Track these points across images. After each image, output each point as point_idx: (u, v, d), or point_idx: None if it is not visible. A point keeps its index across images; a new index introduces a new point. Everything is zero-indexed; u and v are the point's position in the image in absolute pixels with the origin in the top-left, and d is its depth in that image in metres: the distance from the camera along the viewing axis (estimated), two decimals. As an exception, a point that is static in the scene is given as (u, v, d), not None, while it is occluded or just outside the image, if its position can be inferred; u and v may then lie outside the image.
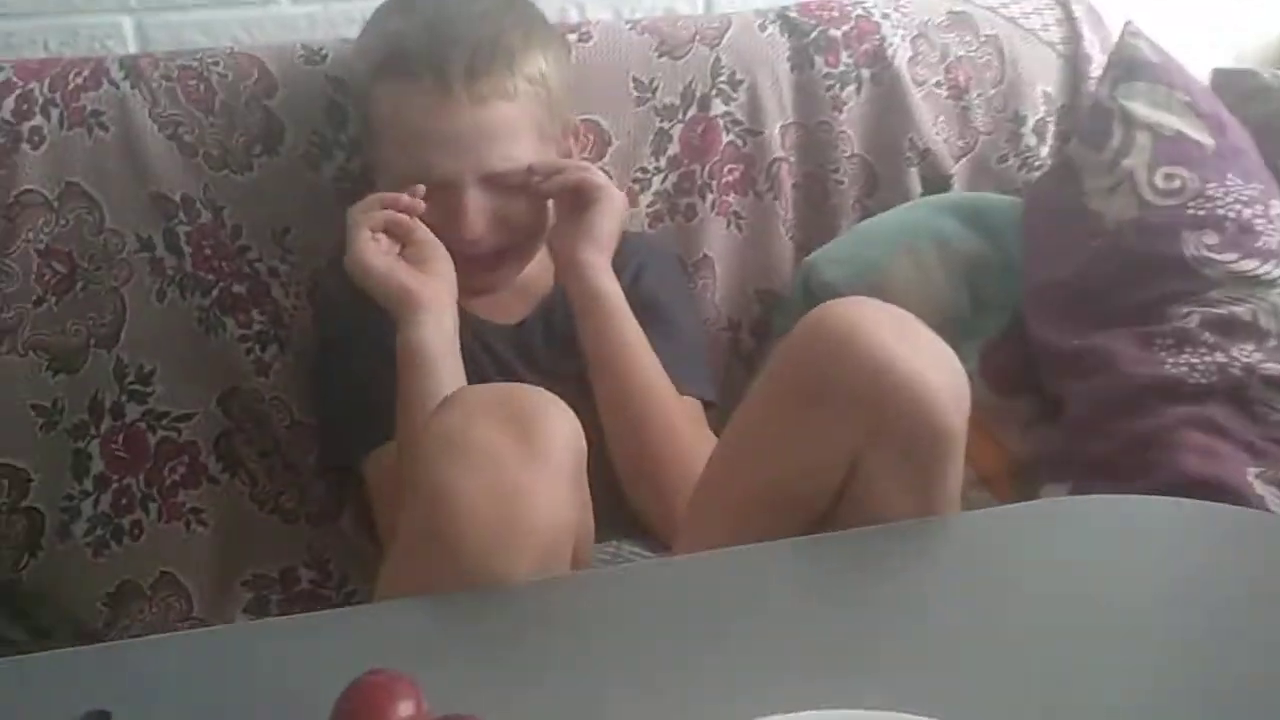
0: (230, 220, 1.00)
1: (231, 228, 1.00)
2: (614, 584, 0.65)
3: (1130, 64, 0.99)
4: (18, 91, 0.96)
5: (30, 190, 0.96)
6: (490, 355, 0.93)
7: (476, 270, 0.92)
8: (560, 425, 0.60)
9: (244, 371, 1.01)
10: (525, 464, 0.57)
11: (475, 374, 0.87)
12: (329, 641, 0.55)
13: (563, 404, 0.61)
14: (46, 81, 0.97)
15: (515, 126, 0.89)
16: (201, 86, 0.99)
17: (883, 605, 0.56)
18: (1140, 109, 0.96)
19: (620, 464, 0.88)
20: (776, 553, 0.61)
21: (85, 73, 0.98)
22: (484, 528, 0.55)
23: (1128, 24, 1.04)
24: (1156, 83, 0.97)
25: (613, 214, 0.91)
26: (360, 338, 0.92)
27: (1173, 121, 0.95)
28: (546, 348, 0.96)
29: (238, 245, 1.01)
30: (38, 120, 0.96)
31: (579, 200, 0.91)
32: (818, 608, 0.56)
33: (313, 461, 1.01)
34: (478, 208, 0.89)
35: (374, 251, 0.86)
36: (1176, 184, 0.92)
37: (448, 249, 0.89)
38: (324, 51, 1.02)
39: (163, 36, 1.06)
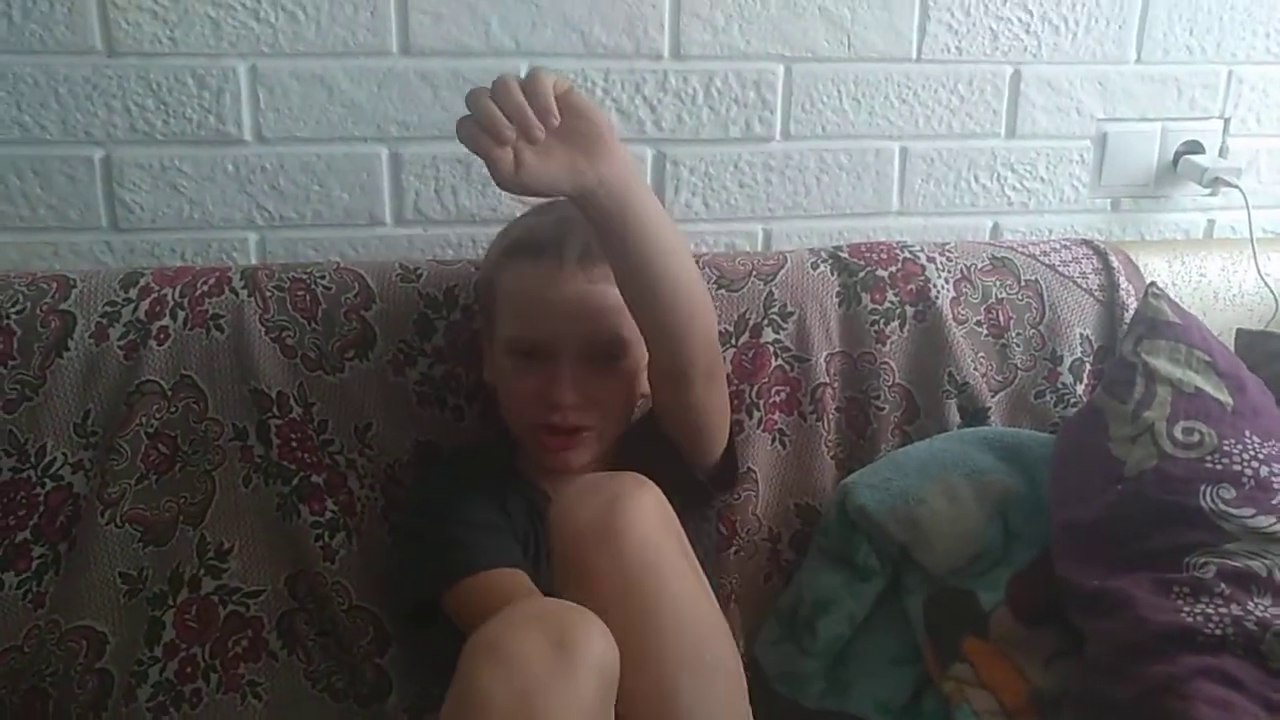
0: (318, 416, 1.11)
1: (318, 422, 1.11)
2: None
3: (1153, 323, 1.06)
4: (153, 295, 1.10)
5: (150, 380, 1.09)
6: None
7: (558, 447, 0.99)
8: (596, 644, 0.66)
9: (312, 556, 1.09)
10: (555, 676, 0.63)
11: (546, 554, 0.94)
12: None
13: (603, 625, 0.67)
14: (178, 288, 1.11)
15: (617, 309, 0.96)
16: (308, 297, 1.12)
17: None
18: (1162, 365, 1.01)
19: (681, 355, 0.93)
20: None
21: (211, 281, 1.11)
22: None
23: (1150, 285, 1.11)
24: (1178, 341, 1.03)
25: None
26: (462, 490, 1.00)
27: (1193, 379, 1.00)
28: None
29: (322, 439, 1.11)
30: (165, 321, 1.10)
31: None
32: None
33: (366, 645, 1.08)
34: (573, 375, 0.97)
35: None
36: (1195, 438, 0.97)
37: (536, 423, 0.98)
38: (419, 270, 1.14)
39: (281, 250, 1.20)
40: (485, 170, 0.83)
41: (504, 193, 0.85)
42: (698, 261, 1.20)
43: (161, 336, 1.09)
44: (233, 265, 1.16)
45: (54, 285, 1.09)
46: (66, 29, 1.11)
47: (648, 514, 0.79)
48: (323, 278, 1.13)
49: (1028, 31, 1.28)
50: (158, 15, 1.11)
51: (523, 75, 0.81)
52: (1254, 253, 1.29)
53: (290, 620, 1.10)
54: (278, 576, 1.10)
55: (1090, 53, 1.30)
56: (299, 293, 1.12)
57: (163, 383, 1.09)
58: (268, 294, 1.12)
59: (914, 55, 1.27)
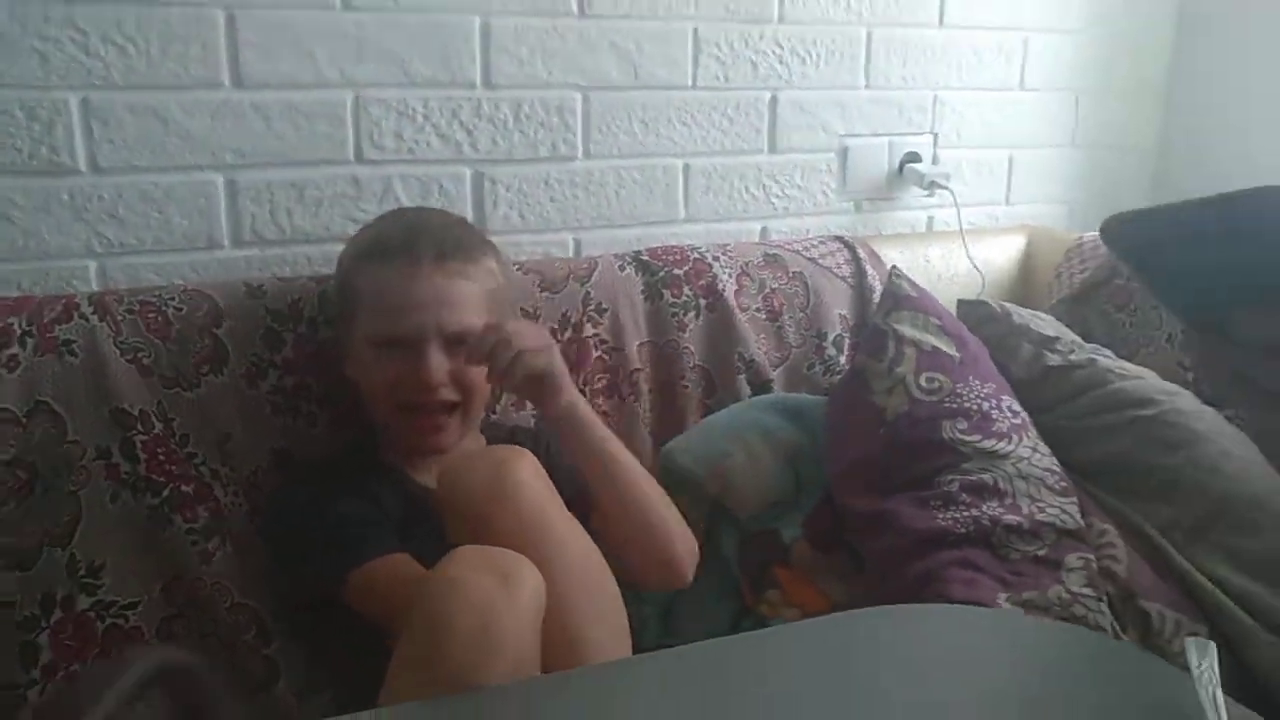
0: (179, 430, 1.18)
1: (180, 436, 1.18)
2: (576, 680, 0.82)
3: (897, 298, 1.32)
4: (-3, 326, 1.13)
5: (3, 408, 1.12)
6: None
7: (428, 429, 1.11)
8: (530, 578, 0.80)
9: (188, 562, 1.15)
10: (504, 602, 0.77)
11: (421, 531, 1.06)
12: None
13: (532, 564, 0.82)
14: (24, 316, 1.14)
15: (471, 299, 1.10)
16: (159, 318, 1.18)
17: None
18: (906, 330, 1.28)
19: (635, 538, 1.10)
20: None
21: (59, 308, 1.15)
22: (470, 647, 0.74)
23: (893, 268, 1.38)
24: (916, 311, 1.30)
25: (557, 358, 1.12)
26: (335, 492, 1.10)
27: (929, 339, 1.27)
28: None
29: (185, 451, 1.18)
30: (14, 349, 1.13)
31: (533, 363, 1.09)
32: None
33: (250, 639, 1.16)
34: (438, 361, 1.08)
35: None
36: (935, 385, 1.23)
37: (407, 405, 1.09)
38: (263, 287, 1.23)
39: (122, 277, 1.25)
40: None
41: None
42: (521, 269, 1.36)
43: (11, 364, 1.12)
44: (77, 292, 1.20)
45: (-109, 321, 1.10)
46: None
47: (531, 473, 0.94)
48: (172, 299, 1.20)
49: (781, 63, 1.53)
50: (-21, 52, 1.14)
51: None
52: (964, 242, 1.60)
53: (170, 625, 1.15)
54: (153, 586, 1.15)
55: (830, 80, 1.57)
56: (150, 314, 1.18)
57: (16, 410, 1.12)
58: (119, 317, 1.17)
59: (690, 84, 1.48)
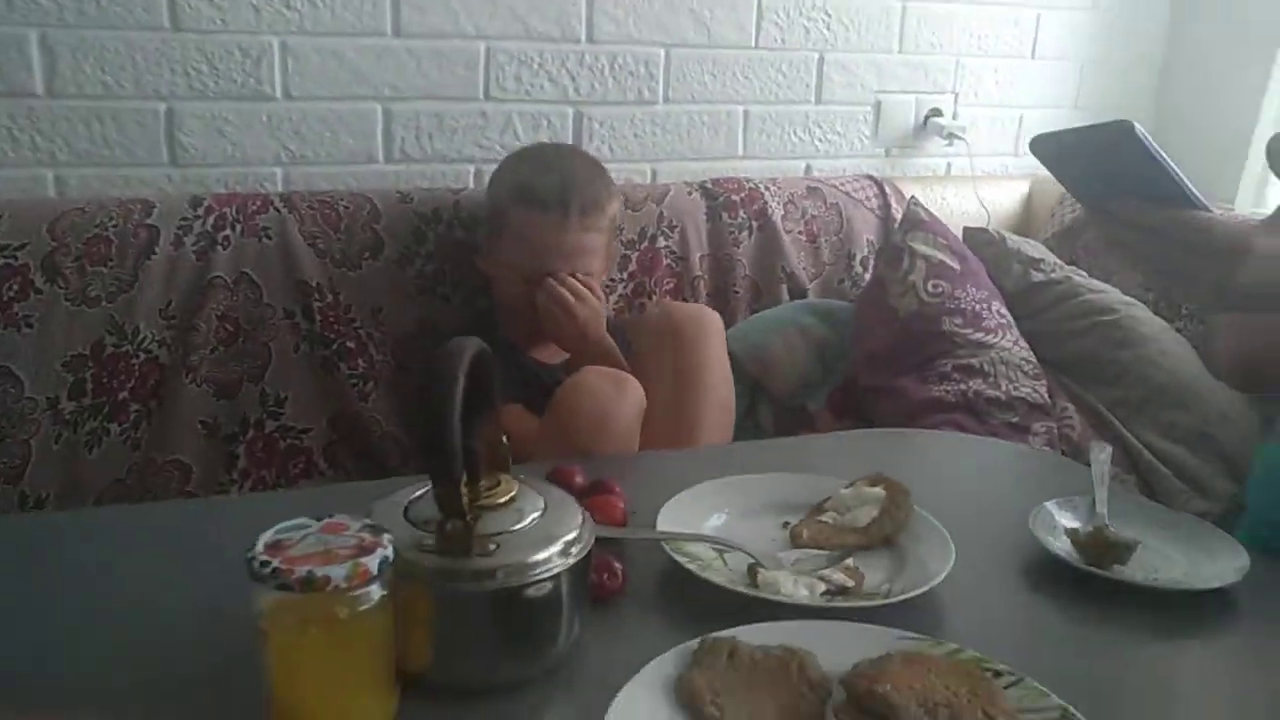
0: (344, 300, 1.52)
1: (345, 305, 1.52)
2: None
3: (914, 221, 1.63)
4: (215, 214, 1.47)
5: (218, 276, 1.47)
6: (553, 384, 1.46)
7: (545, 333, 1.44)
8: (634, 387, 1.13)
9: (351, 400, 1.51)
10: (615, 399, 1.10)
11: (541, 393, 1.39)
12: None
13: (635, 380, 1.14)
14: (234, 208, 1.49)
15: (598, 249, 1.43)
16: (333, 214, 1.52)
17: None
18: (919, 246, 1.59)
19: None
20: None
21: (259, 202, 1.50)
22: (591, 427, 1.08)
23: (911, 198, 1.69)
24: (928, 232, 1.61)
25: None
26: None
27: (937, 254, 1.58)
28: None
29: (348, 317, 1.53)
30: (227, 231, 1.48)
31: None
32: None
33: (394, 463, 1.51)
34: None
35: None
36: (939, 290, 1.55)
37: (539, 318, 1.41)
38: (411, 195, 1.57)
39: (300, 182, 1.59)
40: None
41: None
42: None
43: (224, 244, 1.47)
44: (270, 191, 1.55)
45: (138, 206, 1.45)
46: (132, 8, 1.46)
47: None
48: (342, 200, 1.54)
49: (828, 29, 1.83)
50: (213, 3, 1.48)
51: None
52: (974, 184, 1.90)
53: (334, 449, 1.51)
54: (322, 418, 1.51)
55: (869, 45, 1.87)
56: (326, 210, 1.53)
57: (227, 278, 1.47)
58: (303, 212, 1.51)
59: (753, 44, 1.79)
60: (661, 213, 1.69)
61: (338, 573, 0.58)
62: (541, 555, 0.66)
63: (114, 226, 1.42)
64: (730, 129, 1.82)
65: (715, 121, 1.81)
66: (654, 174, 1.79)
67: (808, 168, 1.90)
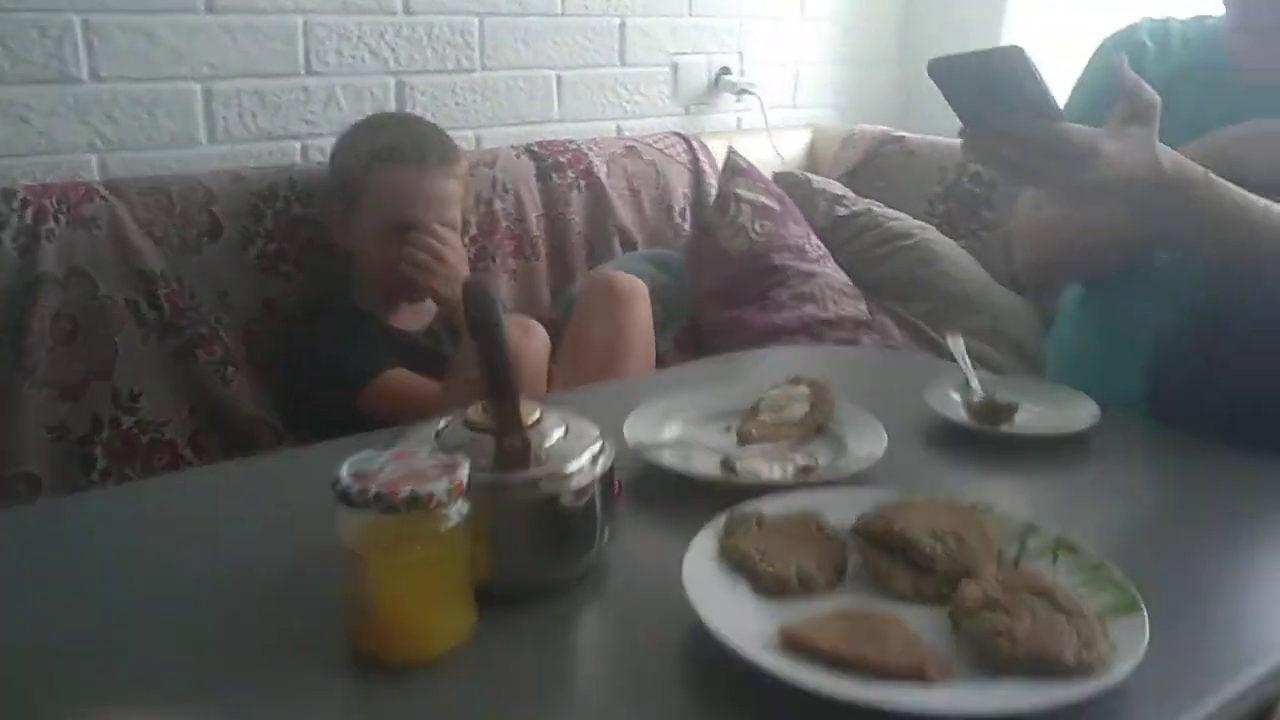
0: (188, 287, 1.46)
1: (190, 291, 1.46)
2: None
3: (734, 169, 1.78)
4: (33, 206, 1.37)
5: (46, 271, 1.37)
6: (413, 349, 1.47)
7: (414, 287, 1.44)
8: (541, 332, 1.19)
9: (210, 386, 1.46)
10: (526, 343, 1.16)
11: (408, 360, 1.41)
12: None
13: (539, 325, 1.20)
14: (54, 197, 1.39)
15: (456, 196, 1.46)
16: (165, 199, 1.46)
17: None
18: (743, 192, 1.74)
19: None
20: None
21: (82, 191, 1.41)
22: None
23: (730, 149, 1.84)
24: (749, 179, 1.76)
25: None
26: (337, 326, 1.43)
27: (759, 198, 1.74)
28: (448, 337, 1.51)
29: (194, 303, 1.47)
30: (50, 224, 1.38)
31: None
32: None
33: (265, 446, 1.47)
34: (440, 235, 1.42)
35: None
36: (766, 229, 1.70)
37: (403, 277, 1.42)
38: (243, 174, 1.53)
39: (119, 169, 1.51)
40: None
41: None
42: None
43: (49, 237, 1.37)
44: (94, 180, 1.45)
45: (-58, 204, 1.33)
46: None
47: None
48: (173, 184, 1.47)
49: (625, -5, 1.94)
50: (5, -23, 1.37)
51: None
52: (769, 135, 2.08)
53: (199, 439, 1.46)
54: (182, 408, 1.45)
55: (665, 9, 1.99)
56: (157, 196, 1.46)
57: (56, 273, 1.38)
58: (132, 199, 1.44)
59: (560, 11, 1.86)
60: (495, 176, 1.74)
61: (439, 488, 0.62)
62: (577, 465, 0.73)
63: (-80, 228, 1.30)
64: (546, 93, 1.89)
65: (531, 87, 1.87)
66: (478, 140, 1.83)
67: (618, 128, 2.00)
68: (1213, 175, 0.97)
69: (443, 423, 0.76)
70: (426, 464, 0.65)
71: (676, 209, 1.93)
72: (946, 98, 0.94)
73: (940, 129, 2.04)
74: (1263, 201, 0.99)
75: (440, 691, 0.64)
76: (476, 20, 1.77)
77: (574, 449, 0.74)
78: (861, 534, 0.75)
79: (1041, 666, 0.60)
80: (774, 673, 0.60)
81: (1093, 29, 1.34)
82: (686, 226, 1.93)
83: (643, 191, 1.90)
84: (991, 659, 0.62)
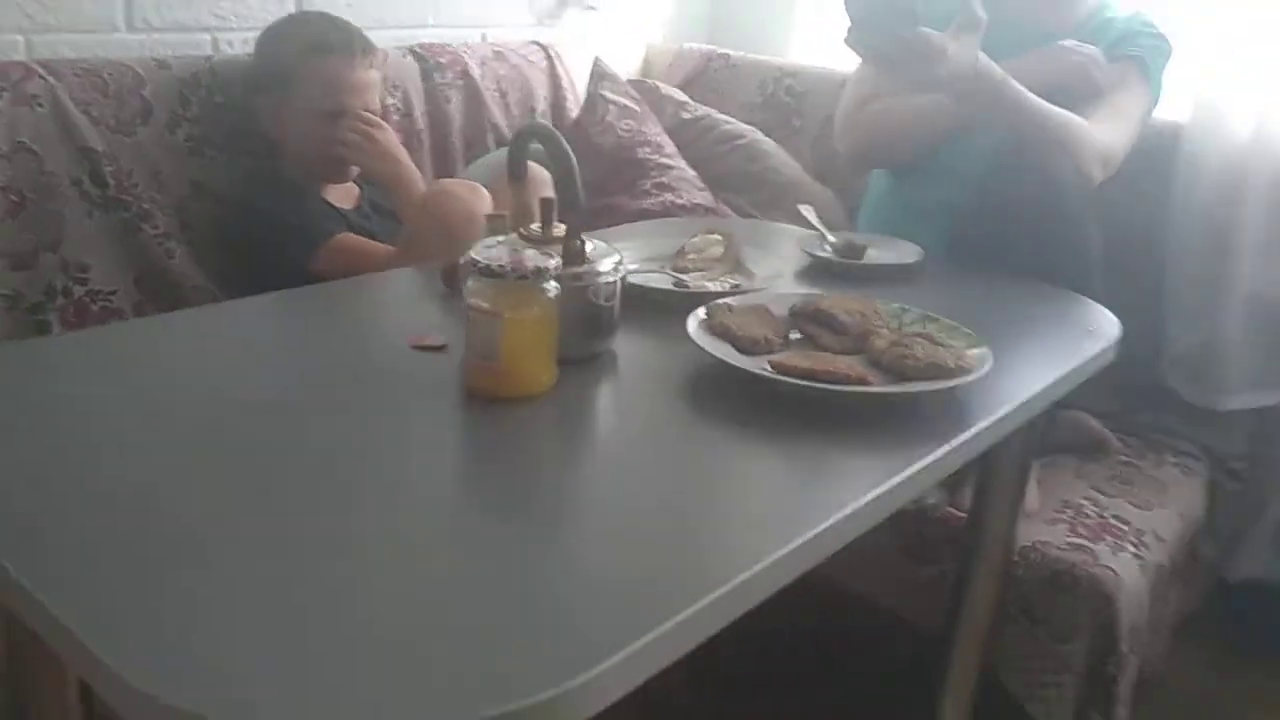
0: (126, 165, 1.58)
1: (128, 169, 1.58)
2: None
3: (601, 74, 2.06)
4: (-25, 84, 1.45)
5: (-7, 147, 1.46)
6: (348, 224, 1.66)
7: (342, 168, 1.66)
8: (484, 190, 1.43)
9: (156, 258, 1.59)
10: (478, 201, 1.40)
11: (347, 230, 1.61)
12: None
13: (483, 189, 1.44)
14: (-3, 75, 1.47)
15: (378, 85, 1.66)
16: (99, 80, 1.56)
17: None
18: (610, 95, 2.02)
19: None
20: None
21: (22, 70, 1.49)
22: (467, 219, 1.37)
23: (596, 58, 2.11)
24: (614, 83, 2.05)
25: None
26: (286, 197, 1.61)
27: (623, 100, 2.03)
28: (376, 216, 1.72)
29: (132, 181, 1.59)
30: (-7, 101, 1.46)
31: None
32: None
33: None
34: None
35: None
36: (629, 127, 2.00)
37: (338, 158, 1.62)
38: (169, 62, 1.64)
39: (46, 51, 1.58)
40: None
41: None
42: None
43: (-8, 114, 1.46)
44: (36, 60, 1.53)
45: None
46: None
47: None
48: (104, 67, 1.58)
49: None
50: None
51: None
52: (614, 47, 2.37)
53: (144, 307, 1.59)
54: (128, 278, 1.58)
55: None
56: (92, 78, 1.56)
57: (3, 147, 1.47)
58: (69, 80, 1.54)
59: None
60: (385, 75, 1.92)
61: (550, 264, 0.90)
62: (610, 265, 1.02)
63: (-127, 98, 1.36)
64: (419, 3, 2.08)
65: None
66: (367, 41, 1.99)
67: (483, 36, 2.21)
68: (1009, 76, 1.38)
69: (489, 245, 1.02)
70: (530, 254, 0.92)
71: (539, 110, 2.19)
72: (847, 6, 1.26)
73: (747, 46, 2.42)
74: (1035, 97, 1.41)
75: (543, 415, 0.93)
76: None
77: (603, 255, 1.03)
78: (798, 313, 1.10)
79: (935, 372, 0.97)
80: (773, 377, 0.93)
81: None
82: (549, 122, 2.19)
83: (509, 94, 2.14)
84: (901, 374, 0.98)
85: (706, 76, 2.35)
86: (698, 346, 1.00)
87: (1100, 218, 1.49)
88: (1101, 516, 1.48)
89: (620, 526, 0.76)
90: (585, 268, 0.99)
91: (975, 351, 1.02)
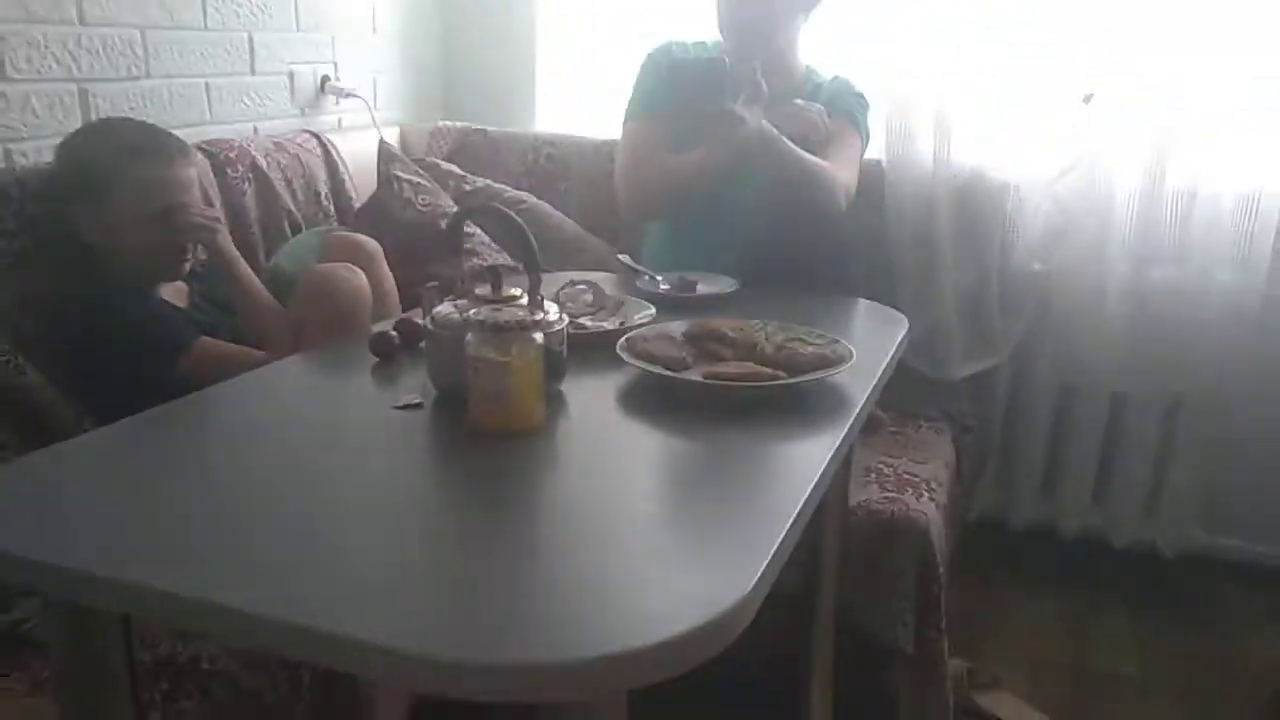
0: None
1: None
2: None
3: (390, 156, 2.20)
4: None
5: None
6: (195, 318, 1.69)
7: (181, 262, 1.69)
8: (361, 273, 1.55)
9: (5, 379, 1.54)
10: (359, 279, 1.52)
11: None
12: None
13: (357, 269, 1.56)
14: None
15: (196, 180, 1.71)
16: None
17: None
18: (401, 174, 2.17)
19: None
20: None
21: None
22: (354, 300, 1.49)
23: (382, 140, 2.25)
24: (402, 162, 2.20)
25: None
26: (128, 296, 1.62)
27: (414, 178, 2.19)
28: (212, 309, 1.75)
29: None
30: None
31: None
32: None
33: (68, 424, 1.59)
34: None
35: None
36: (427, 201, 2.17)
37: (167, 249, 1.66)
38: (-25, 178, 1.60)
39: None
40: None
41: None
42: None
43: None
44: None
45: None
46: None
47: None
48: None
49: (253, 14, 2.22)
50: None
51: None
52: (377, 131, 2.51)
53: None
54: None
55: (276, 26, 2.30)
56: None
57: None
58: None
59: (204, 25, 2.10)
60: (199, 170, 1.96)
61: (538, 317, 1.10)
62: (557, 316, 1.23)
63: None
64: (199, 99, 2.12)
65: (188, 93, 2.09)
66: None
67: (255, 129, 2.28)
68: (779, 133, 1.73)
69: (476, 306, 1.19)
70: (519, 310, 1.11)
71: (322, 194, 2.29)
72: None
73: (483, 120, 2.67)
74: (796, 149, 1.78)
75: (539, 444, 1.12)
76: (139, 32, 1.96)
77: (550, 311, 1.23)
78: (691, 335, 1.35)
79: (823, 363, 1.26)
80: (718, 384, 1.18)
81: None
82: (332, 209, 2.30)
83: (294, 181, 2.23)
84: (796, 368, 1.26)
85: (468, 150, 2.56)
86: (643, 369, 1.23)
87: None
88: (897, 474, 1.86)
89: (664, 511, 0.98)
90: (546, 319, 1.19)
91: (838, 347, 1.33)
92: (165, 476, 1.00)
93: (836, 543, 1.69)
